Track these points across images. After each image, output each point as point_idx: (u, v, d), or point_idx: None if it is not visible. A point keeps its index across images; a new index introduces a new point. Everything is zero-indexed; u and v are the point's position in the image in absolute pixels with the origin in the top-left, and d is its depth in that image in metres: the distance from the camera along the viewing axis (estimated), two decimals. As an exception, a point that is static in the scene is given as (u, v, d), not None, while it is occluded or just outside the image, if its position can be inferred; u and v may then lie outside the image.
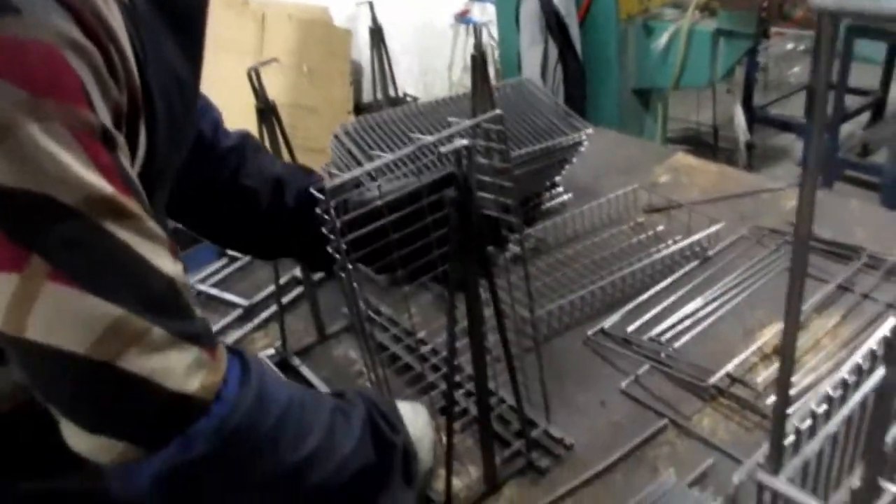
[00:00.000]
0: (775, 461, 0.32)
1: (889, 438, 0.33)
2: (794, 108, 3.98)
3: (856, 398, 0.37)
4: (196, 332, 0.53)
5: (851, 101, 3.55)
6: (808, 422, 0.36)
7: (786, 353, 0.29)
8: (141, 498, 0.53)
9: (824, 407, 0.37)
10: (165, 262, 0.52)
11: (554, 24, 2.75)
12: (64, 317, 0.47)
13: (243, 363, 0.57)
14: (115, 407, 0.50)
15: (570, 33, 2.76)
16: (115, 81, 0.51)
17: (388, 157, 0.75)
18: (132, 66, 0.54)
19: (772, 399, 1.02)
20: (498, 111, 0.80)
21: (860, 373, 0.38)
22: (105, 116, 0.50)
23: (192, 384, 0.52)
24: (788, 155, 3.98)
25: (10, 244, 0.46)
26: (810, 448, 0.35)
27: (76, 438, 0.51)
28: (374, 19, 1.51)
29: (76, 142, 0.47)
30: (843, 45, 2.91)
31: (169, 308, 0.51)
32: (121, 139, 0.53)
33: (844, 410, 0.37)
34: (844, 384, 0.38)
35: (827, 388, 0.38)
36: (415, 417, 0.81)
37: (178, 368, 0.51)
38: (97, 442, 0.50)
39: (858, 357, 0.38)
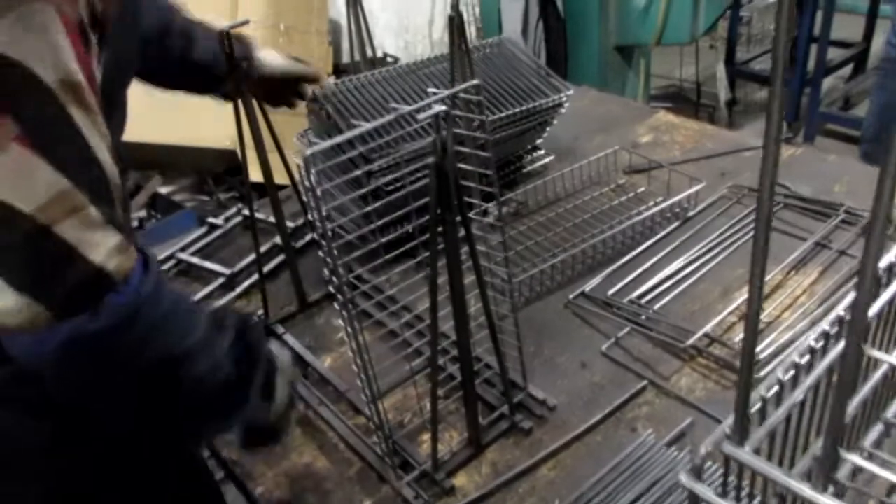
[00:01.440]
0: (740, 432, 0.33)
1: (850, 408, 0.34)
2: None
3: (822, 366, 0.38)
4: (120, 223, 0.58)
5: (834, 54, 3.54)
6: (775, 389, 0.37)
7: (749, 329, 0.29)
8: (43, 364, 0.58)
9: (791, 374, 0.38)
10: (107, 158, 0.58)
11: (535, -20, 2.70)
12: (19, 176, 0.52)
13: (146, 259, 0.62)
14: (43, 268, 0.54)
15: (552, -11, 2.72)
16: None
17: (366, 125, 0.75)
18: None
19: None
20: (475, 81, 0.79)
21: (827, 339, 0.38)
22: (84, 14, 0.57)
23: (111, 263, 0.56)
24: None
25: None
26: (775, 417, 0.36)
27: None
28: (350, -22, 1.49)
29: (63, 27, 0.54)
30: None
31: (104, 196, 0.57)
32: (93, 39, 0.59)
33: (810, 379, 0.38)
34: (811, 351, 0.39)
35: (794, 355, 0.38)
36: (279, 354, 0.84)
37: (103, 246, 0.56)
38: (16, 301, 0.53)
39: (825, 324, 0.39)
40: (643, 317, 1.16)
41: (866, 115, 3.03)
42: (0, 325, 0.55)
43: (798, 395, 0.37)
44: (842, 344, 0.39)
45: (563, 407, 1.03)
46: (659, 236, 1.35)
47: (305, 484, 0.97)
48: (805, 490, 0.29)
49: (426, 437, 1.00)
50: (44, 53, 0.53)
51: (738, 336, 1.10)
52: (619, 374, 1.08)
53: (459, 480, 0.94)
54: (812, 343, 0.39)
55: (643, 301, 1.19)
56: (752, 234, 1.36)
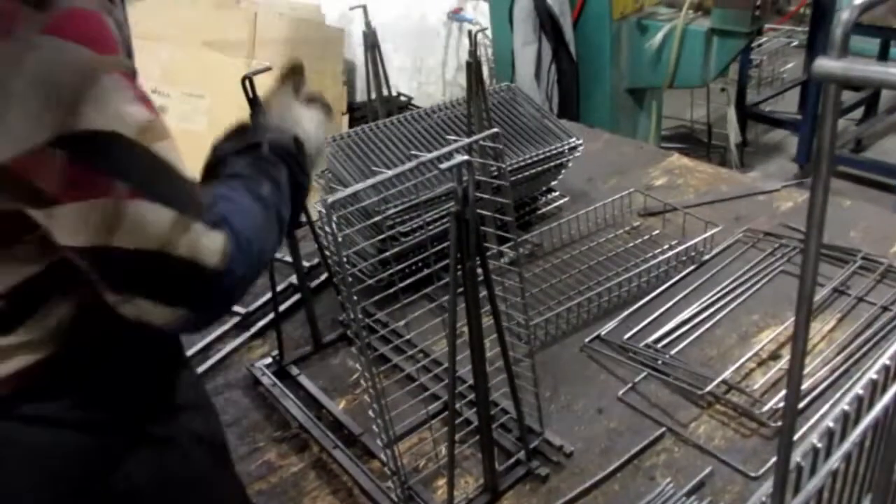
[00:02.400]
0: (781, 492, 0.32)
1: None
2: (788, 104, 3.99)
3: (857, 431, 0.38)
4: (214, 219, 0.64)
5: (845, 97, 3.55)
6: (810, 457, 0.36)
7: (789, 410, 0.29)
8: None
9: (825, 441, 0.37)
10: (186, 168, 0.64)
11: (547, 24, 2.74)
12: (141, 224, 0.59)
13: (230, 227, 0.67)
14: (178, 284, 0.62)
15: (564, 33, 2.75)
16: (119, 29, 0.64)
17: (389, 172, 0.75)
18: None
19: (769, 406, 1.03)
20: (494, 129, 0.80)
21: (860, 404, 0.38)
22: (123, 54, 0.63)
23: (216, 258, 0.63)
24: (782, 151, 3.99)
25: (101, 176, 0.57)
26: (812, 484, 0.36)
27: (156, 313, 0.63)
28: (367, 24, 1.51)
29: (125, 82, 0.59)
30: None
31: (195, 202, 0.63)
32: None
33: (845, 446, 0.38)
34: (845, 416, 0.38)
35: (828, 421, 0.38)
36: (309, 119, 0.88)
37: (213, 246, 0.63)
38: (171, 312, 0.62)
39: (859, 388, 0.39)
40: (660, 362, 1.15)
41: None
42: (156, 325, 0.63)
43: (834, 462, 0.37)
44: (875, 410, 0.39)
45: (580, 453, 1.02)
46: (674, 280, 1.35)
47: (319, 530, 0.96)
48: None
49: (441, 482, 0.99)
50: (122, 114, 0.58)
51: (758, 383, 1.09)
52: (637, 420, 1.07)
53: (475, 528, 0.93)
54: (846, 408, 0.39)
55: (659, 346, 1.18)
56: (767, 279, 1.35)
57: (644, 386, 1.12)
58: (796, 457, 0.36)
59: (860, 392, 0.39)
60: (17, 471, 0.71)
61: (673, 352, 1.17)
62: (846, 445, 0.37)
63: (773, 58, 3.84)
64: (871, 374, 0.39)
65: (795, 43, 3.96)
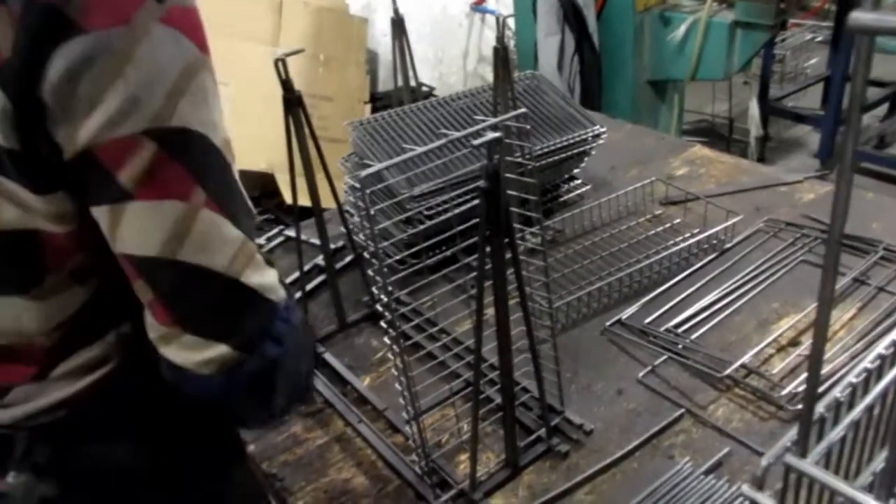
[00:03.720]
0: (803, 445, 0.34)
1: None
2: (810, 100, 3.96)
3: (878, 387, 0.40)
4: (267, 258, 0.63)
5: (869, 93, 3.54)
6: (833, 408, 0.38)
7: (818, 339, 0.31)
8: (236, 398, 0.63)
9: (848, 392, 0.39)
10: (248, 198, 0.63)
11: (571, 15, 2.75)
12: (211, 239, 0.56)
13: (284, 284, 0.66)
14: (236, 315, 0.59)
15: (588, 24, 2.76)
16: None
17: (419, 149, 0.77)
18: None
19: (788, 390, 1.04)
20: (522, 109, 0.82)
21: (883, 361, 0.39)
22: None
23: (280, 295, 0.62)
24: (804, 146, 3.97)
25: (184, 174, 0.54)
26: (835, 433, 0.38)
27: (187, 354, 0.59)
28: (395, 10, 1.53)
29: (216, 89, 0.58)
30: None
31: (255, 235, 0.61)
32: None
33: (867, 399, 0.39)
34: (868, 372, 0.40)
35: (851, 376, 0.40)
36: None
37: (273, 282, 0.61)
38: (210, 352, 0.58)
39: (881, 347, 0.40)
40: (679, 346, 1.16)
41: None
42: (193, 374, 0.59)
43: (856, 413, 0.39)
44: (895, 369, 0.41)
45: (600, 432, 1.04)
46: (695, 267, 1.36)
47: (343, 500, 0.99)
48: (868, 501, 0.30)
49: (463, 457, 1.02)
50: (213, 118, 0.57)
51: (776, 368, 1.10)
52: (656, 401, 1.08)
53: (496, 501, 0.95)
54: (868, 365, 0.41)
55: (679, 330, 1.20)
56: (788, 268, 1.36)
57: (663, 369, 1.14)
58: (819, 408, 0.38)
59: (883, 352, 0.40)
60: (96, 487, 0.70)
61: (693, 337, 1.18)
62: (868, 398, 0.39)
63: (797, 53, 3.82)
64: (895, 335, 0.41)
65: (819, 38, 3.94)
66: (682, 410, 1.05)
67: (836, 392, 0.39)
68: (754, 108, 3.56)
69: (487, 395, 1.08)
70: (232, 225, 0.57)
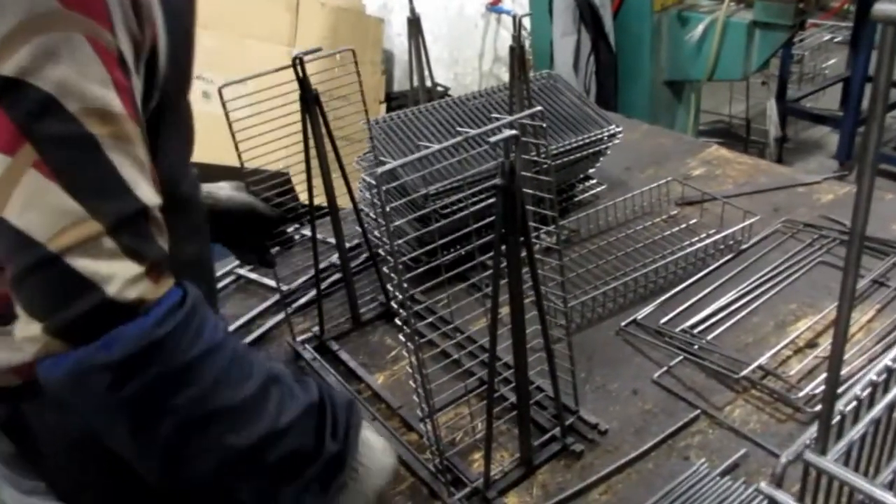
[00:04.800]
0: (823, 442, 0.34)
1: None
2: (829, 101, 3.93)
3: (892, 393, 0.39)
4: (145, 254, 0.57)
5: (890, 94, 3.50)
6: (853, 406, 0.38)
7: (838, 335, 0.31)
8: (58, 391, 0.56)
9: (868, 391, 0.39)
10: (143, 189, 0.57)
11: (587, 15, 2.74)
12: (36, 204, 0.52)
13: (184, 295, 0.59)
14: (56, 296, 0.54)
15: (604, 24, 2.75)
16: (138, 20, 0.58)
17: (435, 146, 0.78)
18: (156, 12, 0.61)
19: (805, 391, 1.03)
20: (538, 108, 0.82)
21: (903, 361, 0.39)
22: (125, 44, 0.56)
23: (128, 295, 0.55)
24: (822, 148, 3.93)
25: (12, 128, 0.51)
26: (855, 431, 0.37)
27: (21, 326, 0.55)
28: (412, 10, 1.54)
29: (95, 55, 0.53)
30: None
31: (128, 226, 0.55)
32: (135, 67, 0.59)
33: (888, 397, 0.39)
34: (889, 371, 0.40)
35: (871, 374, 0.39)
36: (374, 445, 0.77)
37: (118, 278, 0.54)
38: (34, 330, 0.54)
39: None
40: (696, 346, 1.16)
41: None
42: (22, 355, 0.57)
43: (877, 411, 0.38)
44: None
45: (615, 432, 1.03)
46: (712, 268, 1.35)
47: (358, 497, 0.99)
48: (889, 498, 0.30)
49: (477, 455, 1.02)
50: (68, 80, 0.52)
51: (794, 369, 1.09)
52: (671, 402, 1.08)
53: (511, 500, 0.95)
54: (889, 363, 0.40)
55: (695, 331, 1.19)
56: (806, 269, 1.35)
57: (679, 369, 1.13)
58: (839, 405, 0.37)
59: (903, 351, 0.40)
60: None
61: (709, 337, 1.17)
62: (889, 396, 0.39)
63: (815, 53, 3.78)
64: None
65: (839, 39, 3.90)
66: (698, 411, 1.04)
67: (857, 390, 0.39)
68: (772, 109, 3.53)
69: (502, 393, 1.08)
70: (68, 196, 0.53)
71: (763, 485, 0.35)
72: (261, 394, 0.62)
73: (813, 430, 0.35)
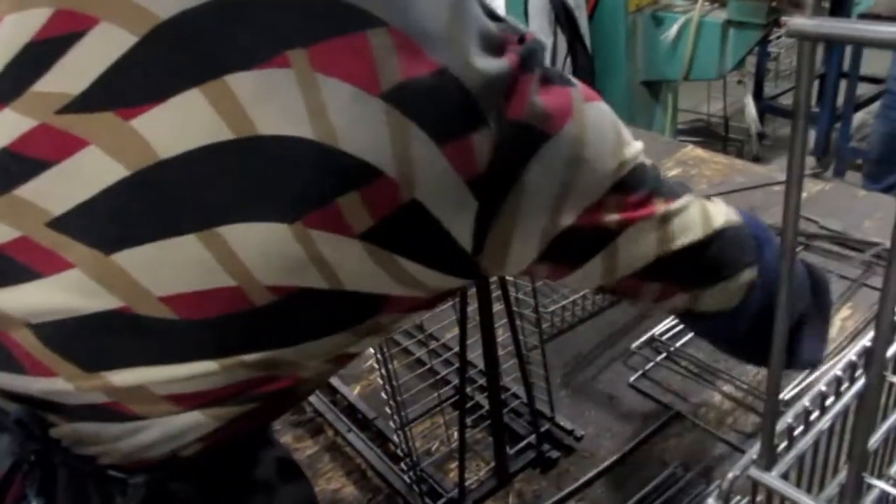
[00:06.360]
0: (767, 457, 0.34)
1: (872, 440, 0.35)
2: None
3: (849, 394, 0.39)
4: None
5: (864, 90, 3.53)
6: (801, 419, 0.37)
7: (776, 343, 0.30)
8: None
9: (817, 402, 0.38)
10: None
11: (563, 17, 2.74)
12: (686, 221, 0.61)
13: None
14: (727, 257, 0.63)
15: (580, 26, 2.75)
16: None
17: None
18: None
19: (786, 391, 1.03)
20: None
21: (854, 369, 0.39)
22: None
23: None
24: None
25: (644, 196, 0.58)
26: (803, 443, 0.37)
27: (728, 292, 0.63)
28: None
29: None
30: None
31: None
32: None
33: (837, 407, 0.39)
34: (838, 381, 0.39)
35: (820, 384, 0.39)
36: None
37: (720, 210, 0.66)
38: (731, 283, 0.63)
39: (852, 354, 0.40)
40: (672, 349, 1.16)
41: (869, 142, 3.09)
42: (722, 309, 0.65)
43: (825, 423, 0.38)
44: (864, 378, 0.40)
45: (591, 438, 1.03)
46: (687, 269, 1.35)
47: (333, 510, 0.98)
48: (832, 515, 0.30)
49: (454, 465, 1.01)
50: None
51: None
52: (648, 406, 1.08)
53: (486, 510, 0.95)
54: (838, 372, 0.40)
55: (672, 333, 1.19)
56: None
57: (655, 373, 1.13)
58: (788, 417, 0.37)
59: (854, 358, 0.40)
60: None
61: (686, 339, 1.17)
62: (838, 406, 0.38)
63: (791, 50, 3.81)
64: (866, 342, 0.40)
65: (814, 35, 3.92)
66: (674, 412, 1.04)
67: (805, 401, 0.38)
68: (751, 106, 3.56)
69: (477, 401, 1.07)
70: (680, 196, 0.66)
71: (710, 501, 0.35)
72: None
73: (756, 448, 0.34)
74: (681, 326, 1.20)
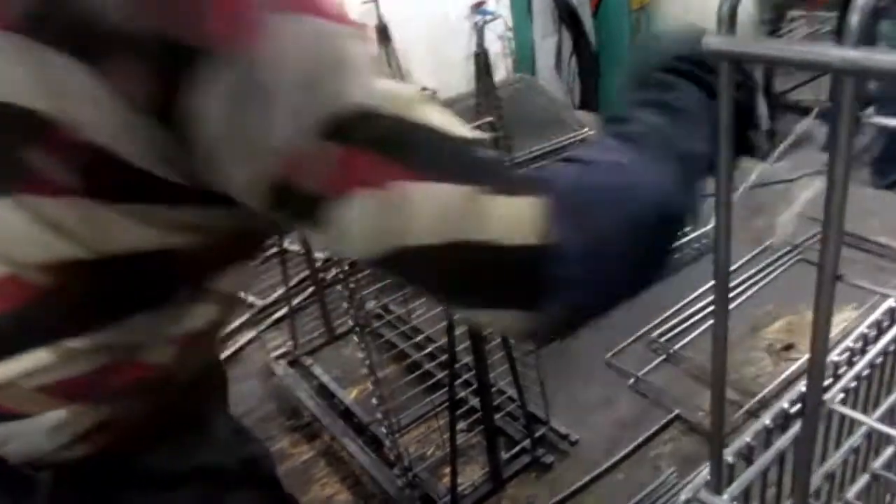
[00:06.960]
0: (715, 481, 0.33)
1: (814, 477, 0.34)
2: (818, 93, 3.91)
3: (794, 428, 0.39)
4: (519, 181, 0.47)
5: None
6: (754, 441, 0.37)
7: (718, 356, 0.30)
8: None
9: (780, 420, 0.38)
10: (459, 129, 0.49)
11: (566, 15, 2.73)
12: (427, 213, 0.44)
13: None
14: (485, 277, 0.46)
15: (584, 24, 2.73)
16: None
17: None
18: None
19: (787, 397, 1.02)
20: (489, 118, 0.81)
21: (804, 400, 0.38)
22: None
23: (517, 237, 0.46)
24: (811, 140, 3.92)
25: (372, 159, 0.44)
26: (751, 471, 0.36)
27: (498, 321, 0.49)
28: (379, 17, 1.52)
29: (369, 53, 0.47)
30: (866, 28, 2.85)
31: (486, 170, 0.46)
32: None
33: (796, 427, 0.38)
34: (785, 415, 0.39)
35: (765, 418, 0.39)
36: None
37: (520, 218, 0.45)
38: (506, 317, 0.46)
39: (801, 385, 0.39)
40: (670, 351, 1.15)
41: (874, 139, 3.06)
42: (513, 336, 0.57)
43: (770, 455, 0.38)
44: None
45: (587, 442, 1.02)
46: (686, 270, 1.34)
47: (327, 516, 0.98)
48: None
49: (448, 469, 1.01)
50: (372, 88, 0.47)
51: (770, 372, 1.08)
52: (645, 409, 1.07)
53: (479, 515, 0.94)
54: (785, 406, 0.40)
55: (669, 335, 1.18)
56: (783, 269, 1.33)
57: (652, 375, 1.12)
58: (746, 438, 0.36)
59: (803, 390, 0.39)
60: None
61: (683, 342, 1.16)
62: (797, 426, 0.38)
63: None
64: (834, 356, 0.39)
65: (827, 29, 3.88)
66: (670, 418, 1.03)
67: (766, 419, 0.38)
68: (761, 103, 3.51)
69: (472, 405, 1.07)
70: (446, 184, 0.47)
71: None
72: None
73: (706, 473, 0.34)
74: (680, 327, 1.19)
